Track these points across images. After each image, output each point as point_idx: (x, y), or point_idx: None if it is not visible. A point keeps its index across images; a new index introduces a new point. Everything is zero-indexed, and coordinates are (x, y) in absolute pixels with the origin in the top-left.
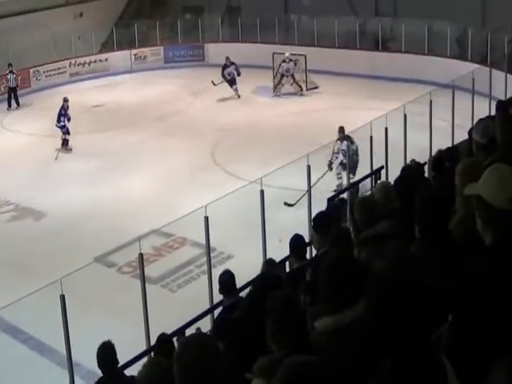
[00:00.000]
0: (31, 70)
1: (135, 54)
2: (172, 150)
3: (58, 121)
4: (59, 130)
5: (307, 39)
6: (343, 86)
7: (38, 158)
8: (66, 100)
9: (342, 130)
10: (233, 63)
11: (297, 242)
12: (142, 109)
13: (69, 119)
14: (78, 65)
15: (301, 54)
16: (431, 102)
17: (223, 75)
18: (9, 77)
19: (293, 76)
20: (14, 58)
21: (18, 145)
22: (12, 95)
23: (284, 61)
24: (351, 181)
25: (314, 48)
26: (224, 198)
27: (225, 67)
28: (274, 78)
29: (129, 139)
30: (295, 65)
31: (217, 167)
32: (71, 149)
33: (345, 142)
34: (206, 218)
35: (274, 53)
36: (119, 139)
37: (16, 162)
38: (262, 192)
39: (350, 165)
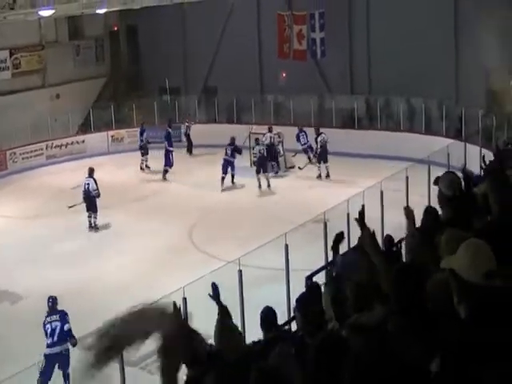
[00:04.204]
0: (7, 152)
1: (112, 136)
2: (150, 231)
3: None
4: None
5: (284, 118)
6: None
7: (15, 240)
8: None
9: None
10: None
11: (265, 314)
12: (119, 190)
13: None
14: (54, 147)
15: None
16: (407, 177)
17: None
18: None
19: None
20: None
21: None
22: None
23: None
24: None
25: (291, 127)
26: (202, 278)
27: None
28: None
29: (106, 221)
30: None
31: (194, 248)
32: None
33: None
34: (185, 299)
35: (250, 132)
36: (97, 221)
37: None
38: (240, 272)
39: None
